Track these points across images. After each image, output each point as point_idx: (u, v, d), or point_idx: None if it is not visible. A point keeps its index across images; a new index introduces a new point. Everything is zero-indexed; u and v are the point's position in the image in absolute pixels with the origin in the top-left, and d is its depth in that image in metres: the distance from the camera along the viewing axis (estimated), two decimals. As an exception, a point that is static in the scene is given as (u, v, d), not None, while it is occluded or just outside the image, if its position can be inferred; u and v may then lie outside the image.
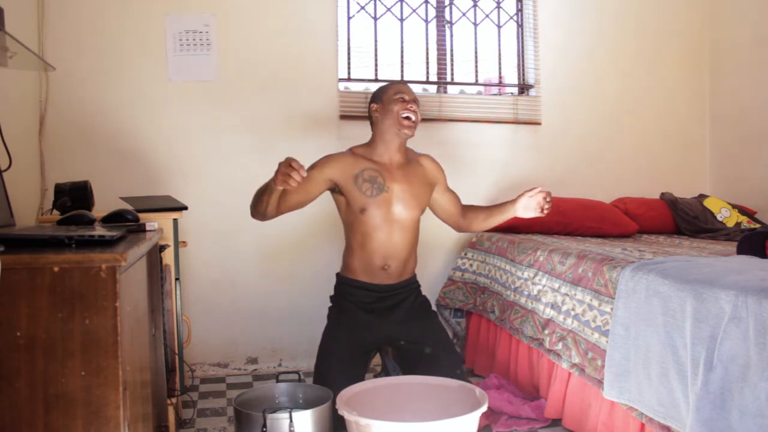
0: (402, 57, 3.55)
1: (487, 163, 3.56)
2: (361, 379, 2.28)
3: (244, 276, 3.22)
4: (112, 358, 1.22)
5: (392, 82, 2.52)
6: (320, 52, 3.31)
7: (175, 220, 2.38)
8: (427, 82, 3.59)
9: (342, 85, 3.41)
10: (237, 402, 2.07)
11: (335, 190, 2.41)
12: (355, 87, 3.47)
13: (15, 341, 1.20)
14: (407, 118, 2.40)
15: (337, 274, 2.51)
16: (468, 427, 1.86)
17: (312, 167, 2.37)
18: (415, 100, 2.43)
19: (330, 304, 2.50)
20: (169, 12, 3.12)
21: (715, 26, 3.86)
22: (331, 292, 2.51)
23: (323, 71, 3.32)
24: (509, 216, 2.47)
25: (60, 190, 2.29)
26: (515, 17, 3.71)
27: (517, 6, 3.71)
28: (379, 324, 2.38)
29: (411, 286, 2.49)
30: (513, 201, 2.44)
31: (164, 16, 3.11)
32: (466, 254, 3.26)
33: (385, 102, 2.43)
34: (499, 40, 3.70)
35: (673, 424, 1.77)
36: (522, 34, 3.71)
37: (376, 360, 2.78)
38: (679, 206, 3.49)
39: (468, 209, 2.60)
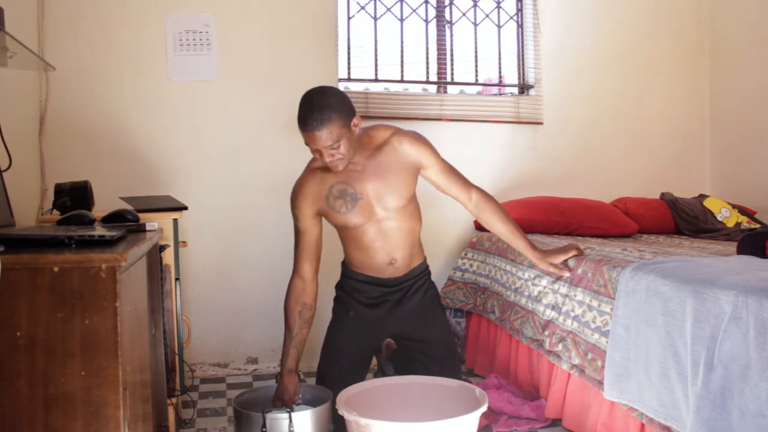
0: (402, 57, 3.55)
1: (488, 163, 3.56)
2: (363, 379, 2.27)
3: (244, 276, 3.22)
4: (112, 358, 1.22)
5: (300, 125, 2.06)
6: (320, 52, 3.31)
7: (175, 220, 2.38)
8: (427, 82, 3.59)
9: (342, 85, 3.41)
10: (237, 402, 2.07)
11: None
12: (355, 87, 3.48)
13: (15, 341, 1.20)
14: (331, 163, 2.11)
15: (343, 264, 2.42)
16: (468, 427, 1.86)
17: (296, 218, 2.27)
18: (324, 147, 2.05)
19: (335, 294, 2.43)
20: (169, 12, 3.12)
21: (715, 26, 3.86)
22: (332, 292, 2.47)
23: (323, 71, 3.32)
24: (526, 254, 2.40)
25: (60, 190, 2.29)
26: (515, 17, 3.71)
27: (517, 6, 3.71)
28: (385, 321, 2.33)
29: (422, 274, 2.38)
30: (541, 255, 2.35)
31: (164, 16, 3.11)
32: (466, 254, 3.26)
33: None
34: (499, 40, 3.70)
35: (674, 425, 1.77)
36: (522, 34, 3.71)
37: (375, 359, 2.78)
38: (679, 206, 3.49)
39: (486, 209, 2.33)
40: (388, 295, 2.33)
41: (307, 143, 2.09)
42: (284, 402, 2.14)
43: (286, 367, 2.18)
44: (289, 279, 2.29)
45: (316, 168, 2.24)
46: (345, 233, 2.31)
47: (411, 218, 2.30)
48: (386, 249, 2.28)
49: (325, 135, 2.03)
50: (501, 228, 2.35)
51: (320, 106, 2.03)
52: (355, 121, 2.11)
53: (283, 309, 2.25)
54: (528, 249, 2.36)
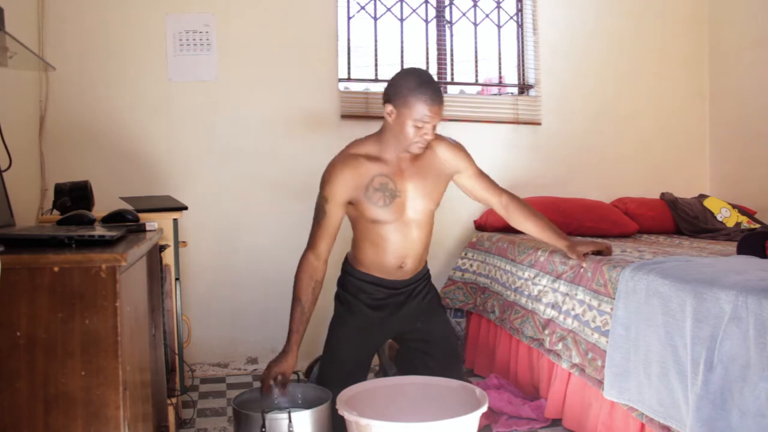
0: (402, 57, 3.55)
1: (487, 163, 3.52)
2: (364, 380, 2.27)
3: (244, 276, 3.22)
4: (112, 358, 1.22)
5: (424, 94, 2.11)
6: (320, 52, 3.31)
7: (175, 220, 2.38)
8: (427, 82, 3.59)
9: (342, 85, 3.41)
10: (236, 402, 2.07)
11: None
12: (355, 87, 3.48)
13: (15, 341, 1.20)
14: (419, 142, 2.17)
15: (346, 262, 2.39)
16: (468, 427, 1.86)
17: (326, 199, 2.19)
18: (435, 124, 2.16)
19: (336, 291, 2.40)
20: (169, 12, 3.12)
21: (715, 26, 3.86)
22: (333, 291, 2.44)
23: (323, 71, 3.32)
24: (557, 246, 2.40)
25: (60, 190, 2.29)
26: (515, 17, 3.71)
27: (517, 6, 3.71)
28: (388, 322, 2.32)
29: (424, 277, 2.39)
30: (570, 244, 2.34)
31: (164, 16, 3.11)
32: (466, 254, 3.26)
33: (402, 114, 2.13)
34: (499, 40, 3.70)
35: (674, 424, 1.77)
36: (522, 34, 3.71)
37: (375, 359, 2.78)
38: (679, 206, 3.49)
39: (515, 210, 2.39)
40: (392, 297, 2.32)
41: (420, 117, 2.12)
42: (280, 378, 2.13)
43: (296, 342, 2.17)
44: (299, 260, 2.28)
45: (358, 155, 2.21)
46: (366, 228, 2.25)
47: (429, 226, 2.32)
48: (401, 253, 2.26)
49: (442, 110, 2.18)
50: (530, 226, 2.40)
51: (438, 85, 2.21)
52: None
53: (294, 283, 2.23)
54: (559, 240, 2.38)
